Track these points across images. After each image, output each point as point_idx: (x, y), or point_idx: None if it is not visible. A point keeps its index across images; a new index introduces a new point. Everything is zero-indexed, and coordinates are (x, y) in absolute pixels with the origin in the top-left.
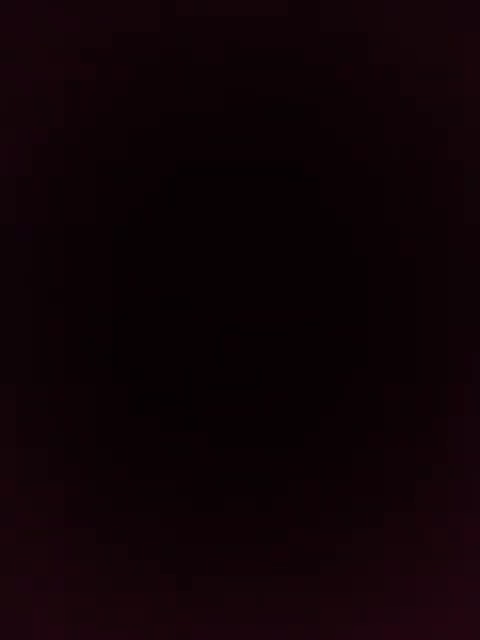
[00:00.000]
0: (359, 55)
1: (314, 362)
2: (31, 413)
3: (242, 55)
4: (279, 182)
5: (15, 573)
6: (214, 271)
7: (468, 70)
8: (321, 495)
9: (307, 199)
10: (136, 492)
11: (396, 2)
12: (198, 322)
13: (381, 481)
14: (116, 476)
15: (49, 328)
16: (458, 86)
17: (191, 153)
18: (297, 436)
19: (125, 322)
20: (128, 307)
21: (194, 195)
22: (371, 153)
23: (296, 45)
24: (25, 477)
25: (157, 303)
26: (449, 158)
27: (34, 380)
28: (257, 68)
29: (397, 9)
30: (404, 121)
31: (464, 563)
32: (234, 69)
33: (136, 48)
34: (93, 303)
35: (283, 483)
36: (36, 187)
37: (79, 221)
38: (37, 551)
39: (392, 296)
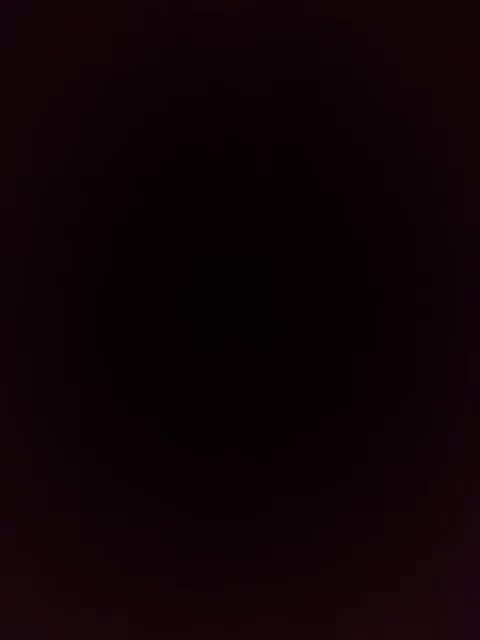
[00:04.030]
0: (360, 52)
1: (315, 363)
2: (30, 413)
3: (242, 49)
4: (280, 178)
5: (15, 573)
6: (214, 275)
7: (468, 70)
8: (321, 496)
9: (307, 196)
10: (135, 494)
11: (396, 2)
12: (198, 321)
13: (381, 482)
14: (115, 478)
15: (48, 328)
16: (458, 85)
17: (191, 143)
18: (297, 438)
19: (125, 323)
20: (129, 307)
21: (194, 187)
22: (372, 149)
23: (297, 40)
24: (24, 477)
25: (158, 302)
26: (450, 156)
27: (33, 381)
28: (257, 64)
29: (397, 9)
30: (404, 120)
31: (464, 563)
32: (234, 62)
33: (136, 40)
34: (93, 302)
35: (283, 484)
36: (33, 182)
37: (76, 215)
38: (37, 551)
39: (392, 295)
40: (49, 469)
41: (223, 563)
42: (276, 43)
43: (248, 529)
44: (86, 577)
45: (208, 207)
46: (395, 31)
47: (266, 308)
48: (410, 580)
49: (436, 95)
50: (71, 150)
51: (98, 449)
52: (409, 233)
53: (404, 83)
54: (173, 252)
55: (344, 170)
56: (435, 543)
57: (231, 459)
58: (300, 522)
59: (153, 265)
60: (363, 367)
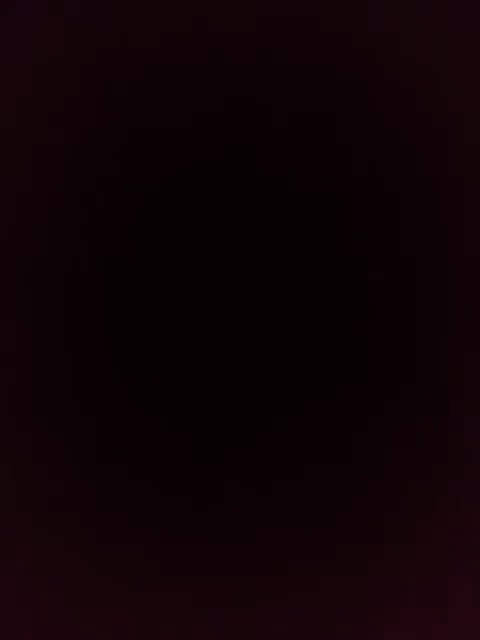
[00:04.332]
0: (359, 55)
1: (315, 362)
2: (30, 413)
3: (241, 56)
4: (280, 183)
5: (15, 574)
6: (215, 274)
7: (468, 67)
8: (321, 494)
9: (306, 201)
10: (136, 492)
11: (396, 1)
12: (198, 321)
13: (381, 481)
14: (116, 476)
15: (48, 326)
16: (458, 84)
17: (191, 156)
18: (296, 436)
19: (126, 321)
20: (129, 307)
21: (195, 195)
22: (372, 152)
23: (296, 46)
24: (25, 476)
25: (158, 303)
26: (450, 158)
27: (33, 380)
28: (256, 70)
29: (397, 8)
30: (404, 120)
31: (464, 563)
32: (233, 71)
33: (137, 50)
34: (93, 303)
35: (282, 483)
36: (36, 190)
37: (77, 222)
38: (37, 551)
39: (392, 294)
40: (47, 467)
41: (223, 561)
42: (276, 58)
43: (247, 528)
44: (82, 569)
45: (209, 215)
46: (394, 42)
47: (267, 311)
48: (410, 579)
49: (435, 103)
50: (70, 161)
51: (97, 443)
52: (408, 237)
53: (402, 92)
54: (175, 258)
55: (345, 178)
56: (435, 543)
57: (231, 456)
58: (300, 521)
59: (154, 267)
60: (363, 365)
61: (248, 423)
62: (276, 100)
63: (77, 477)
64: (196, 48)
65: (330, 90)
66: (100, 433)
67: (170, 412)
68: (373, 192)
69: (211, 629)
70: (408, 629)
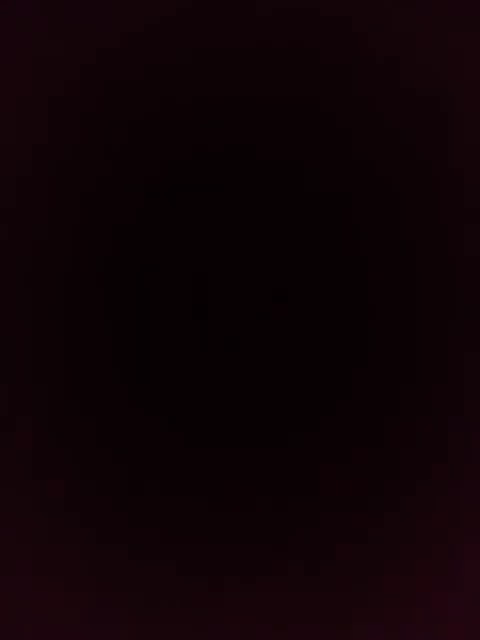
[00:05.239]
0: (358, 47)
1: (314, 362)
2: (30, 413)
3: (242, 48)
4: (279, 177)
5: (15, 573)
6: (214, 274)
7: (468, 59)
8: (321, 494)
9: (306, 201)
10: (136, 492)
11: None
12: (198, 320)
13: (381, 481)
14: (116, 476)
15: (48, 325)
16: (458, 76)
17: (190, 155)
18: (297, 436)
19: (126, 320)
20: (128, 307)
21: (194, 195)
22: (371, 145)
23: (297, 38)
24: (25, 476)
25: (158, 302)
26: (449, 151)
27: (33, 380)
28: (257, 62)
29: (398, 7)
30: (404, 112)
31: (464, 563)
32: (235, 63)
33: (138, 46)
34: (93, 302)
35: (282, 483)
36: (35, 189)
37: (77, 222)
38: (37, 551)
39: (393, 294)
40: (47, 467)
41: (223, 561)
42: (277, 56)
43: (248, 528)
44: (82, 569)
45: (208, 215)
46: (395, 34)
47: (266, 310)
48: (410, 579)
49: (435, 100)
50: (70, 161)
51: (97, 443)
52: (408, 236)
53: (404, 88)
54: (175, 257)
55: (345, 179)
56: (435, 544)
57: (231, 456)
58: (300, 521)
59: (154, 267)
60: (362, 366)
61: (247, 423)
62: (276, 100)
63: (77, 477)
64: (195, 47)
65: (331, 90)
66: (100, 433)
67: (170, 412)
68: (373, 192)
69: (211, 628)
70: (409, 629)
